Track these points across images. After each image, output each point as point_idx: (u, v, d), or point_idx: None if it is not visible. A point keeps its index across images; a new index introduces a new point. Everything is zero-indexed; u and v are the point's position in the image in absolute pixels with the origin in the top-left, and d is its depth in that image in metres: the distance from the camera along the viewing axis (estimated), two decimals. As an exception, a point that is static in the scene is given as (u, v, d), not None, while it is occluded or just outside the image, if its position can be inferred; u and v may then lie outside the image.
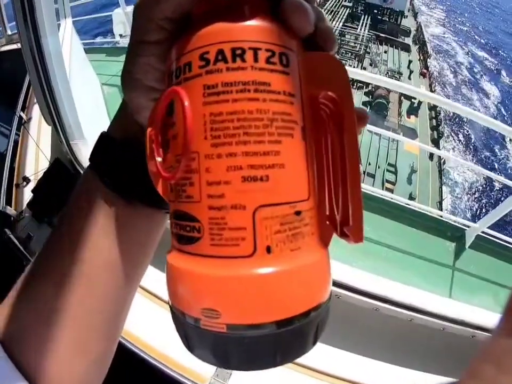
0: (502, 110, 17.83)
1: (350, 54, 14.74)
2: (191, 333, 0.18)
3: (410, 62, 15.53)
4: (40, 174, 1.82)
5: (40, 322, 0.26)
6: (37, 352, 0.25)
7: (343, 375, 1.18)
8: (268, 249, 0.17)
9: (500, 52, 23.97)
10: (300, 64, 0.19)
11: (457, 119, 14.62)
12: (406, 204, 2.20)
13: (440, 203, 9.41)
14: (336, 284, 1.16)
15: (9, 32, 3.02)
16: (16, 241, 1.51)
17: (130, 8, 2.85)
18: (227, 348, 0.17)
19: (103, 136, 0.26)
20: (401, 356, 1.24)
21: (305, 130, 0.18)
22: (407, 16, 20.14)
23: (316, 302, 0.18)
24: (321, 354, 1.19)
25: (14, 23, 2.71)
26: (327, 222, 0.21)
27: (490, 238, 2.03)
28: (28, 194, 1.78)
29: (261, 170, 0.17)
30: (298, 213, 0.18)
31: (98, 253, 0.26)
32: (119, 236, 0.26)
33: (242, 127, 0.17)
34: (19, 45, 2.67)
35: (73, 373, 0.27)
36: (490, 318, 1.19)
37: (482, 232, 1.98)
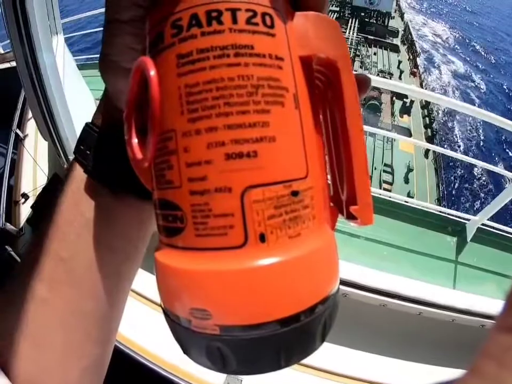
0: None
1: (340, 57, 14.84)
2: (183, 335, 0.17)
3: (400, 62, 15.71)
4: (39, 190, 1.82)
5: (30, 329, 0.24)
6: (28, 360, 0.24)
7: (356, 375, 1.17)
8: (262, 238, 0.15)
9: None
10: (287, 25, 0.17)
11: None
12: (405, 202, 2.20)
13: (439, 200, 9.45)
14: (342, 282, 1.15)
15: (1, 51, 3.03)
16: (17, 257, 1.50)
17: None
18: (222, 352, 0.15)
19: (86, 126, 0.24)
20: (412, 350, 1.23)
21: (298, 98, 0.16)
22: (394, 17, 20.45)
23: (321, 295, 0.16)
24: (332, 355, 1.18)
25: (6, 41, 2.74)
26: (331, 204, 0.19)
27: (492, 229, 2.03)
28: (27, 211, 1.78)
29: (247, 145, 0.15)
30: (295, 193, 0.16)
31: (82, 250, 0.24)
32: (105, 231, 0.24)
33: (222, 96, 0.15)
34: (12, 64, 2.69)
35: (67, 380, 0.26)
36: (499, 307, 1.19)
37: (483, 224, 1.98)
